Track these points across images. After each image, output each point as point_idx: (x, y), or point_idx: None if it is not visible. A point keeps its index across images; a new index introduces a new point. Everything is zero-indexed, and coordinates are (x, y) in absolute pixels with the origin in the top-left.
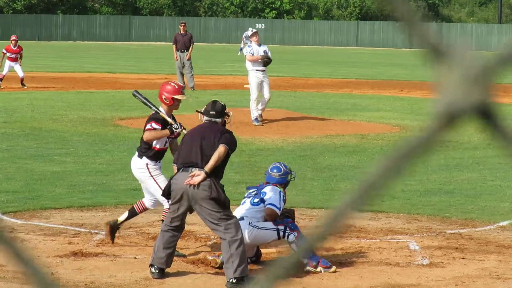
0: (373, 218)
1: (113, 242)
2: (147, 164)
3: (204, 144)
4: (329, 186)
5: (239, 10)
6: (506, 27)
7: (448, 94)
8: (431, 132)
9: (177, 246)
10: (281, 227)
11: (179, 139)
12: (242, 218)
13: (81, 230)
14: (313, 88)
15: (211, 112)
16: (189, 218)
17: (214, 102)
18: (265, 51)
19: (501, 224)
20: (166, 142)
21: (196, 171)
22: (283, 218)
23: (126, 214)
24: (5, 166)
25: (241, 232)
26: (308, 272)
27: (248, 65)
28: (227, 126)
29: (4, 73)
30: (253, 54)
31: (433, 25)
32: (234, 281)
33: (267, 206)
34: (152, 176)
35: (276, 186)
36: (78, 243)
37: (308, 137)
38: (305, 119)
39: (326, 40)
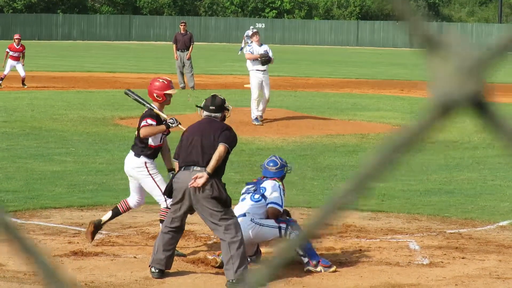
0: (373, 218)
1: (91, 241)
2: (145, 162)
3: (204, 142)
4: (329, 185)
5: (239, 10)
6: (506, 27)
7: (443, 85)
8: (426, 123)
9: (177, 246)
10: (283, 225)
11: (178, 139)
12: (244, 215)
13: (81, 229)
14: (313, 87)
15: (210, 107)
16: (189, 218)
17: (214, 96)
18: (265, 51)
19: (501, 224)
20: (161, 139)
21: (198, 173)
22: (285, 216)
23: (109, 214)
24: (5, 165)
25: (241, 232)
26: (308, 272)
27: (249, 65)
28: (227, 120)
29: (5, 72)
30: (252, 53)
31: (433, 25)
32: (234, 281)
33: (270, 205)
34: (150, 174)
35: (275, 180)
36: (78, 242)
37: (308, 136)
38: (305, 118)
39: (326, 39)
